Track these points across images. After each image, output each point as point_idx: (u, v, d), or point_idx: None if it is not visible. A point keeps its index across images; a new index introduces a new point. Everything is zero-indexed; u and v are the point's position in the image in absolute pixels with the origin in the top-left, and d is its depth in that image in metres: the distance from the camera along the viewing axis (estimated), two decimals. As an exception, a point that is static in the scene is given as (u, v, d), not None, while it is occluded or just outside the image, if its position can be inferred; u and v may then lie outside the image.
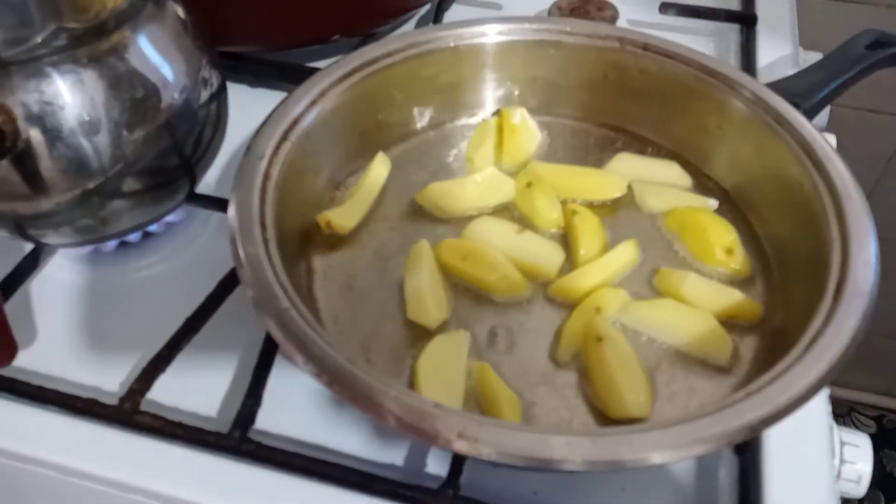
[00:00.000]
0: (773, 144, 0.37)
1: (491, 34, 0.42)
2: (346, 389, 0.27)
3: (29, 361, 0.37)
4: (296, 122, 0.37)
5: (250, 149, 0.35)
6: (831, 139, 0.53)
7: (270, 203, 0.34)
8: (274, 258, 0.31)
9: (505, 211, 0.41)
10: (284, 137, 0.36)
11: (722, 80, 0.40)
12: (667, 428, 0.26)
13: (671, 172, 0.41)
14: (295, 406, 0.36)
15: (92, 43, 0.34)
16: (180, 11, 0.38)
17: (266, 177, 0.34)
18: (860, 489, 0.38)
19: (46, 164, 0.34)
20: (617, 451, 0.26)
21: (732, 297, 0.35)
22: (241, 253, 0.31)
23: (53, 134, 0.33)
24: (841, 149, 0.53)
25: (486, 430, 0.26)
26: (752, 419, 0.26)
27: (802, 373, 0.28)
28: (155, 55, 0.36)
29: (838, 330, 0.29)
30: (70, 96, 0.33)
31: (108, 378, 0.37)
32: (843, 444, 0.37)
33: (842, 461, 0.37)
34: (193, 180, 0.40)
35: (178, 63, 0.37)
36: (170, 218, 0.42)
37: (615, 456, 0.26)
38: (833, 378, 0.28)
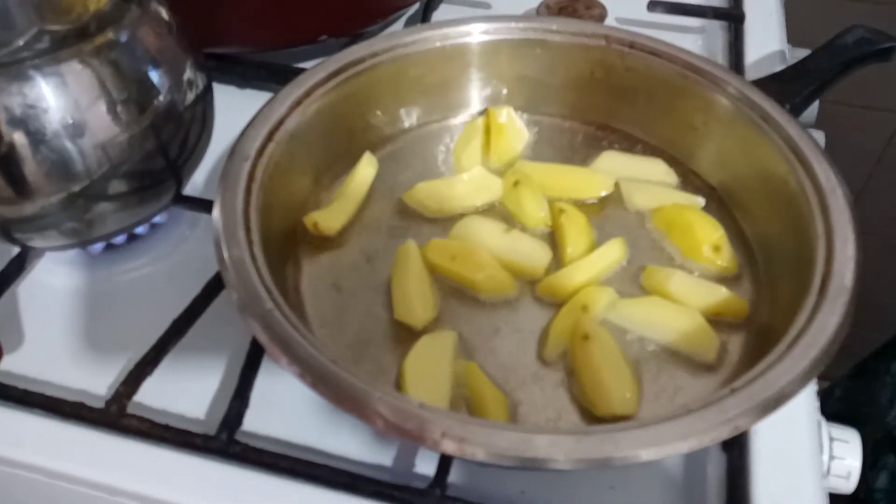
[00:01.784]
0: (758, 142, 0.38)
1: (476, 33, 0.42)
2: (330, 390, 0.27)
3: (15, 365, 0.37)
4: (281, 122, 0.37)
5: (234, 150, 0.35)
6: (821, 136, 0.54)
7: (255, 205, 0.33)
8: (259, 260, 0.31)
9: (492, 210, 0.41)
10: (269, 138, 0.36)
11: (708, 78, 0.40)
12: (651, 426, 0.26)
13: (657, 170, 0.41)
14: (283, 407, 0.36)
15: (75, 45, 0.34)
16: (164, 13, 0.38)
17: (251, 178, 0.34)
18: (850, 485, 0.38)
19: (31, 168, 0.34)
20: (601, 450, 0.26)
21: (719, 295, 0.35)
22: (226, 255, 0.31)
23: (37, 137, 0.33)
24: (831, 145, 0.53)
25: (471, 429, 0.26)
26: (736, 416, 0.26)
27: (787, 369, 0.28)
28: (139, 57, 0.36)
29: (822, 326, 0.29)
30: (53, 99, 0.33)
31: (96, 381, 0.37)
32: (832, 440, 0.37)
33: (831, 457, 0.37)
34: (180, 182, 0.40)
35: (162, 65, 0.37)
36: (156, 220, 0.42)
37: (599, 454, 0.26)
38: (818, 374, 0.29)
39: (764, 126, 0.37)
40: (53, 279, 0.41)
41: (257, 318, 0.29)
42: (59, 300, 0.40)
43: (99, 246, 0.41)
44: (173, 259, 0.43)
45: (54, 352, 0.38)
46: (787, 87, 0.43)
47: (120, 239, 0.41)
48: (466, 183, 0.41)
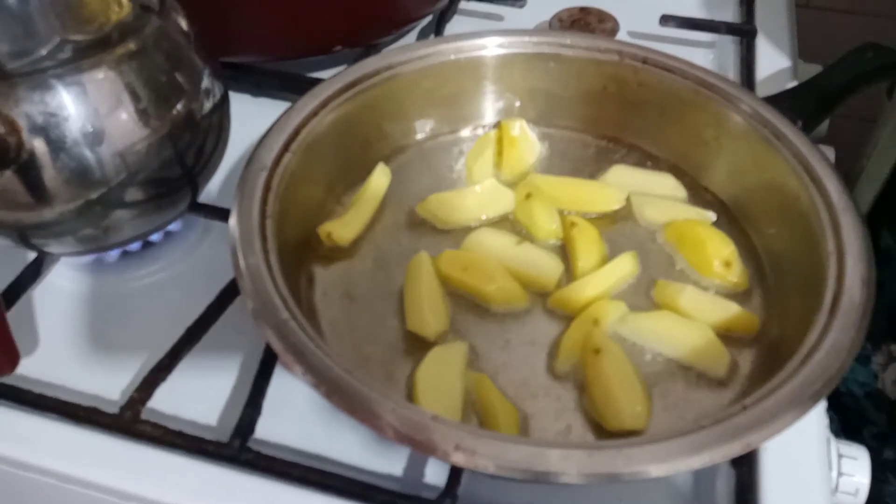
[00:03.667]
0: (770, 158, 0.38)
1: (491, 47, 0.42)
2: (344, 400, 0.27)
3: (30, 369, 0.37)
4: (297, 133, 0.37)
5: (252, 160, 0.35)
6: (830, 152, 0.54)
7: (271, 214, 0.34)
8: (274, 269, 0.32)
9: (504, 222, 0.41)
10: (286, 148, 0.36)
11: (720, 94, 0.40)
12: (663, 441, 0.26)
13: (666, 184, 0.42)
14: (295, 415, 0.36)
15: (96, 55, 0.34)
16: (183, 23, 0.38)
17: (267, 188, 0.34)
18: (858, 501, 0.38)
19: (50, 175, 0.34)
20: (613, 465, 0.26)
21: (730, 310, 0.36)
22: (242, 264, 0.31)
23: (57, 145, 0.34)
24: (840, 160, 0.53)
25: (483, 442, 0.26)
26: (748, 433, 0.27)
27: (799, 387, 0.28)
28: (158, 67, 0.36)
29: (834, 343, 0.29)
30: (74, 108, 0.34)
31: (110, 386, 0.37)
32: (840, 456, 0.38)
33: (840, 473, 0.37)
34: (195, 190, 0.40)
35: (181, 74, 0.37)
36: (171, 227, 0.42)
37: (611, 469, 0.26)
38: (830, 391, 0.29)
39: (776, 143, 0.38)
40: (69, 284, 0.42)
41: (273, 327, 0.29)
42: (74, 305, 0.41)
43: (115, 252, 0.42)
44: (187, 266, 0.43)
45: (69, 356, 0.38)
46: (798, 103, 0.43)
47: (135, 246, 0.42)
48: (479, 195, 0.41)
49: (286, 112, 0.38)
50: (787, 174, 0.37)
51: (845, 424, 0.63)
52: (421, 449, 0.27)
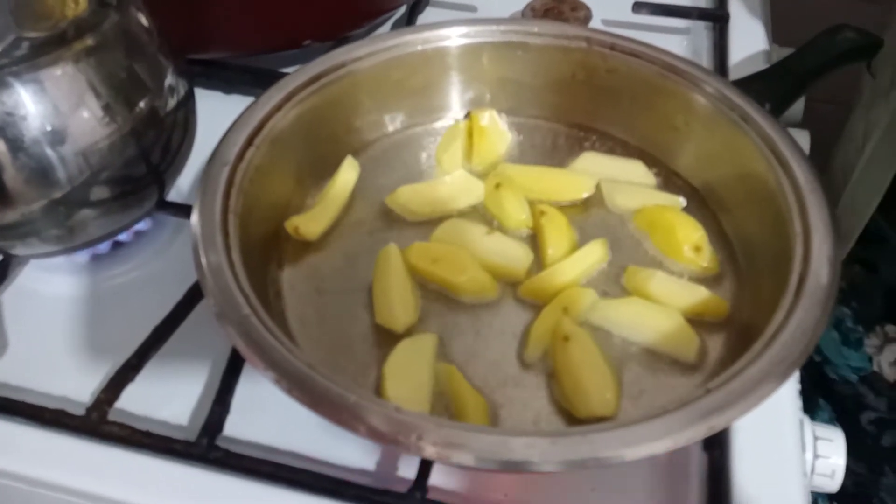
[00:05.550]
0: (738, 141, 0.38)
1: (455, 37, 0.42)
2: (306, 395, 0.27)
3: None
4: (261, 127, 0.37)
5: (214, 155, 0.35)
6: (805, 135, 0.54)
7: (235, 210, 0.33)
8: (237, 265, 0.31)
9: (475, 213, 0.41)
10: (249, 143, 0.36)
11: (687, 78, 0.40)
12: (626, 427, 0.26)
13: (636, 171, 0.41)
14: (265, 412, 0.36)
15: (54, 52, 0.34)
16: (144, 19, 0.38)
17: (230, 183, 0.34)
18: (834, 484, 0.38)
19: (10, 175, 0.34)
20: (577, 451, 0.26)
21: (699, 295, 0.35)
22: (203, 261, 0.31)
23: (16, 144, 0.33)
24: (815, 144, 0.53)
25: (446, 432, 0.26)
26: (711, 416, 0.26)
27: (763, 368, 0.28)
28: (118, 63, 0.36)
29: (798, 324, 0.29)
30: (32, 106, 0.33)
31: (80, 388, 0.37)
32: (816, 438, 0.37)
33: (815, 456, 0.37)
34: (163, 188, 0.40)
35: (142, 71, 0.37)
36: (140, 226, 0.42)
37: (575, 456, 0.26)
38: (794, 372, 0.29)
39: (743, 126, 0.37)
40: (38, 286, 0.41)
41: (234, 324, 0.29)
42: (44, 307, 0.40)
43: (85, 254, 0.41)
44: (158, 265, 0.43)
45: (39, 359, 0.38)
46: (768, 85, 0.43)
47: (105, 246, 0.41)
48: (449, 186, 0.41)
49: (249, 106, 0.37)
50: (754, 157, 0.36)
51: (840, 413, 0.62)
52: (385, 441, 0.26)
